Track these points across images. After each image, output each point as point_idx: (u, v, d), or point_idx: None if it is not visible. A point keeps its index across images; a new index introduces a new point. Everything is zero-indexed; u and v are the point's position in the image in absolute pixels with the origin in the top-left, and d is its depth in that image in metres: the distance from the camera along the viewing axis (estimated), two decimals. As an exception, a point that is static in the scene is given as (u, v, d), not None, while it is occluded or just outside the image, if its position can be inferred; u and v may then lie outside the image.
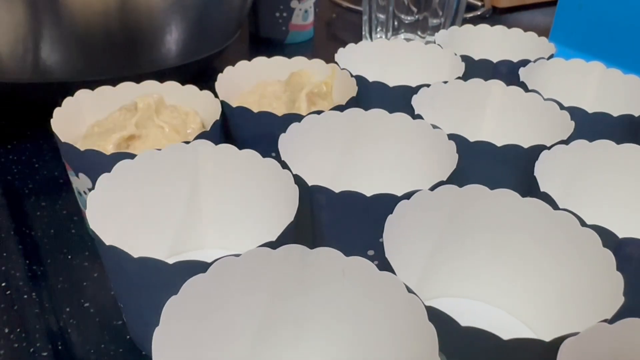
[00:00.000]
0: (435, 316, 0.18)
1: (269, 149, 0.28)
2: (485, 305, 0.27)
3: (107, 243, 0.21)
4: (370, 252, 0.27)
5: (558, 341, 0.17)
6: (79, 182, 0.29)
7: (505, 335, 0.18)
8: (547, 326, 0.25)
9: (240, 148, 0.27)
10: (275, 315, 0.21)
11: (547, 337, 0.18)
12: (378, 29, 0.59)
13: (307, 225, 0.27)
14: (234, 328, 0.21)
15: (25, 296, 0.28)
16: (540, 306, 0.25)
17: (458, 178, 0.26)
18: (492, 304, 0.27)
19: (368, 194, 0.24)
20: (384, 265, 0.20)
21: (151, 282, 0.21)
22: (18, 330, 0.26)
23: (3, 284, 0.29)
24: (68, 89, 0.32)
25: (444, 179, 0.26)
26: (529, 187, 0.26)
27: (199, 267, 0.19)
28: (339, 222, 0.26)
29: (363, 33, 0.61)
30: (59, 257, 0.31)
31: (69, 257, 0.31)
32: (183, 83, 0.34)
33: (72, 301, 0.28)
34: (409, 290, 0.18)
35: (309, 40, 0.64)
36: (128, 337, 0.26)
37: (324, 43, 0.65)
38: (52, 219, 0.34)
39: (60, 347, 0.26)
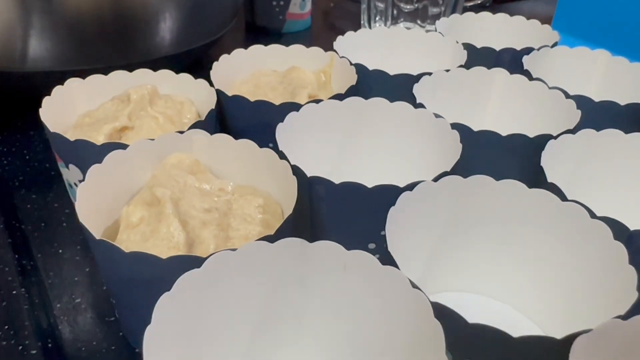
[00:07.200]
0: (441, 312, 0.17)
1: (266, 139, 0.28)
2: (489, 300, 0.26)
3: (97, 237, 0.20)
4: (372, 246, 0.26)
5: (570, 338, 0.16)
6: (69, 173, 0.28)
7: (512, 332, 0.17)
8: (555, 322, 0.24)
9: (236, 138, 0.26)
10: (274, 311, 0.20)
11: (554, 334, 0.17)
12: (377, 18, 0.58)
13: (306, 218, 0.26)
14: (230, 324, 0.20)
15: (15, 292, 0.27)
16: (548, 301, 0.24)
17: (462, 169, 0.25)
18: (497, 298, 0.26)
19: (369, 185, 0.24)
20: (386, 258, 0.19)
21: (144, 278, 0.20)
22: (6, 327, 0.26)
23: (-9, 279, 0.28)
24: (59, 79, 0.31)
25: (448, 170, 0.25)
26: (535, 178, 0.26)
27: (194, 261, 0.18)
28: (339, 214, 0.26)
29: (362, 22, 0.60)
30: (50, 251, 0.30)
31: (60, 251, 0.30)
32: (177, 72, 0.33)
33: (62, 296, 0.27)
34: (414, 286, 0.18)
35: (307, 29, 0.63)
36: (121, 333, 0.26)
37: (321, 32, 0.64)
38: (42, 212, 0.33)
39: (50, 345, 0.25)
